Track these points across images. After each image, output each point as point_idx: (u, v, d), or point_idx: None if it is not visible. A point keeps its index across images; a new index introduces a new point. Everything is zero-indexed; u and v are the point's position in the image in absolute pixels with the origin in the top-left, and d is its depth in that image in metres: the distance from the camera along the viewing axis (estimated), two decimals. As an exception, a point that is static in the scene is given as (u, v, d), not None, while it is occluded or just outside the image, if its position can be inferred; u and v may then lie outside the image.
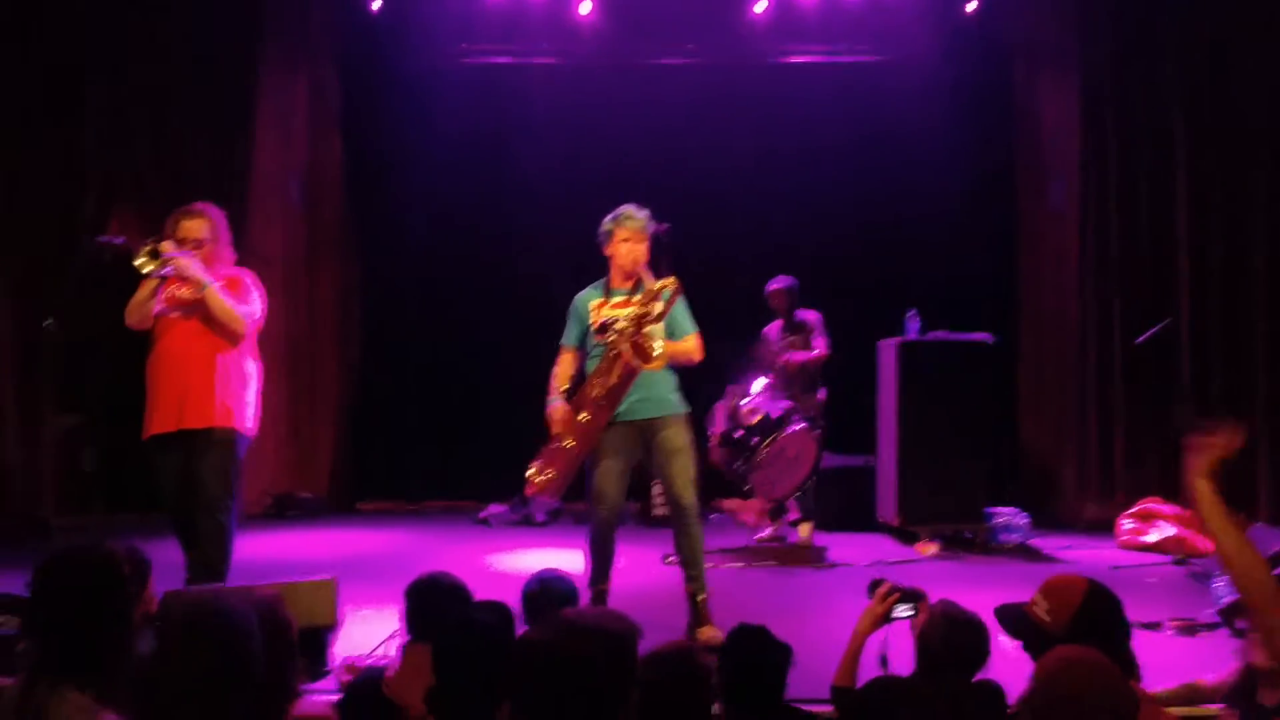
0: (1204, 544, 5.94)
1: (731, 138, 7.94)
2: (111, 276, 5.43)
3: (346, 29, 8.01)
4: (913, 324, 6.69)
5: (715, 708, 2.54)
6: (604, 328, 4.47)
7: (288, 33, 7.79)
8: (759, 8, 7.79)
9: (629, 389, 4.42)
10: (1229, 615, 4.46)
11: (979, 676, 2.80)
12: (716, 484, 6.66)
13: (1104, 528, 6.84)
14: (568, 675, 1.81)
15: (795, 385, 6.61)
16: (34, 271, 6.78)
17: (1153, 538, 6.40)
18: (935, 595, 3.03)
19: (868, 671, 2.99)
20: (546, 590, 3.25)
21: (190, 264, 4.45)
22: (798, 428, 6.09)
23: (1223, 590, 4.60)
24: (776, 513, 6.72)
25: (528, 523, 7.38)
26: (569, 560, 4.77)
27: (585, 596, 4.05)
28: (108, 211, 7.30)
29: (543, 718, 1.81)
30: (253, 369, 4.68)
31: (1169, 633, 4.55)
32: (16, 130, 6.87)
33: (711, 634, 4.37)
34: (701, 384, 5.32)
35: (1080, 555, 6.33)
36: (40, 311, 6.18)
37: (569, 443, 4.43)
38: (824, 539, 6.56)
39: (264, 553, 6.11)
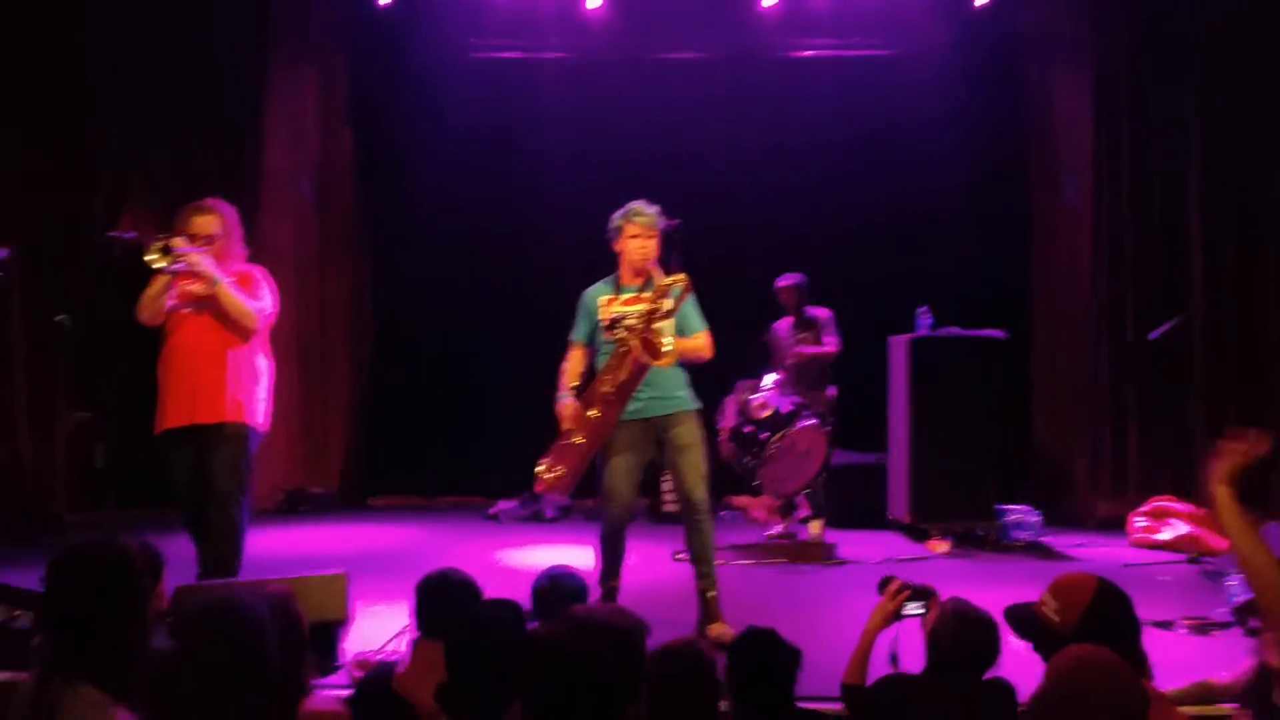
0: (1217, 542, 5.91)
1: (742, 132, 7.93)
2: (123, 272, 5.47)
3: (356, 24, 8.01)
4: (924, 320, 6.66)
5: (723, 704, 2.53)
6: (614, 324, 4.46)
7: (297, 28, 7.80)
8: (769, 1, 7.76)
9: (639, 385, 4.41)
10: (1242, 614, 4.43)
11: (990, 675, 2.79)
12: (727, 481, 6.66)
13: (1117, 525, 6.80)
14: (576, 671, 1.81)
15: (805, 381, 6.61)
16: (46, 267, 6.80)
17: (1165, 536, 6.37)
18: (946, 593, 3.02)
19: (878, 669, 2.98)
20: (557, 586, 3.25)
21: (202, 260, 4.46)
22: (808, 423, 6.08)
23: (1236, 589, 4.58)
24: (786, 510, 6.71)
25: (538, 519, 7.39)
26: (579, 557, 4.78)
27: (595, 593, 4.05)
28: (119, 208, 7.33)
29: (552, 713, 1.81)
30: (264, 364, 4.69)
31: (1182, 631, 4.52)
32: (28, 127, 6.89)
33: (721, 631, 4.37)
34: (711, 380, 5.32)
35: (1092, 553, 6.30)
36: (53, 307, 6.21)
37: (579, 439, 4.43)
38: (834, 536, 6.54)
39: (276, 548, 6.13)
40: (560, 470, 4.48)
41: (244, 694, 2.08)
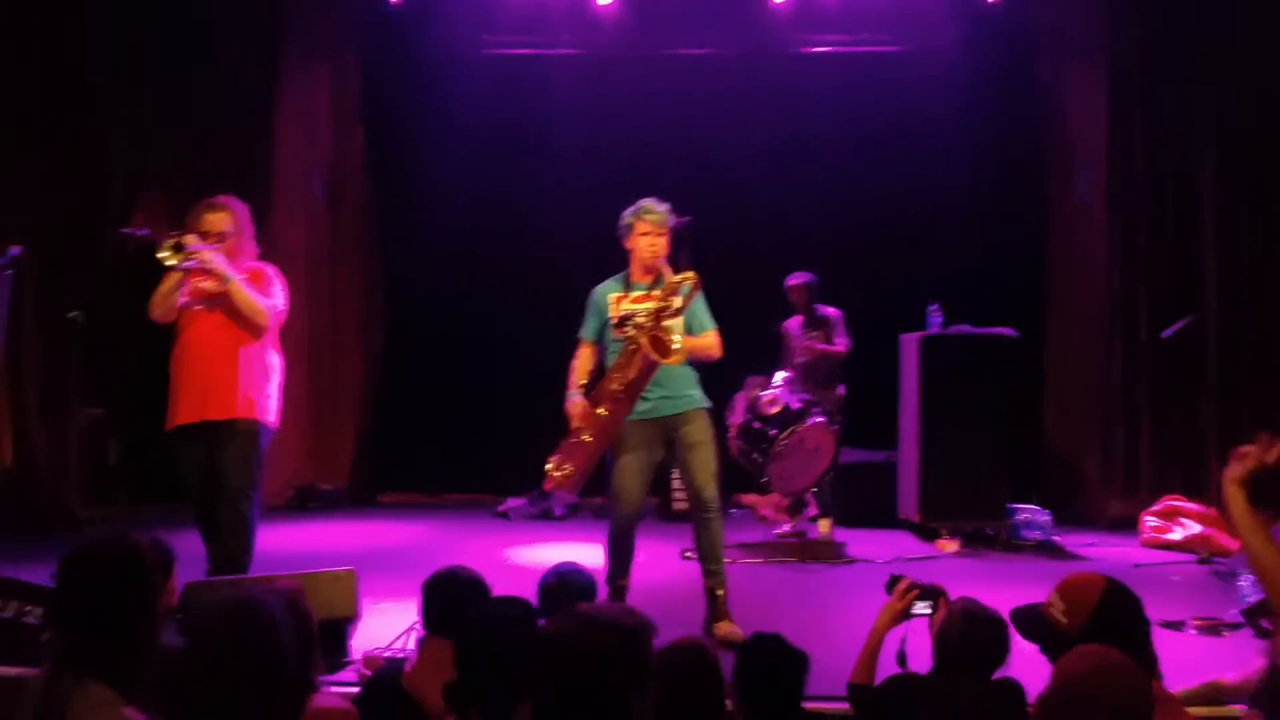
0: (1229, 542, 5.89)
1: (752, 129, 7.91)
2: (136, 269, 5.49)
3: (367, 22, 8.03)
4: (935, 318, 6.65)
5: (728, 703, 2.53)
6: (623, 321, 4.46)
7: (309, 26, 7.82)
8: (780, -3, 7.76)
9: (647, 383, 4.41)
10: (1253, 615, 4.42)
11: (999, 675, 2.78)
12: (736, 479, 6.65)
13: (1128, 525, 6.78)
14: (583, 670, 1.81)
15: (814, 380, 6.60)
16: (59, 264, 6.83)
17: (1176, 536, 6.34)
18: (955, 592, 3.01)
19: (886, 669, 2.98)
20: (564, 584, 3.25)
21: (214, 257, 4.48)
22: (817, 420, 6.07)
23: (1247, 590, 4.56)
24: (795, 508, 6.71)
25: (547, 516, 7.39)
26: (588, 554, 4.78)
27: (603, 592, 4.05)
28: (133, 205, 7.36)
29: (558, 712, 1.81)
30: (275, 361, 4.71)
31: (1192, 632, 4.51)
32: (41, 126, 6.91)
33: (729, 629, 4.37)
34: (721, 378, 5.32)
35: (1103, 553, 6.28)
36: (66, 304, 6.23)
37: (587, 437, 4.43)
38: (844, 535, 6.54)
39: (285, 544, 6.15)
40: (569, 468, 4.48)
41: (256, 691, 2.09)
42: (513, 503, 7.54)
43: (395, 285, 8.30)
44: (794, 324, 6.80)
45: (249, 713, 2.07)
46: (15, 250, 5.18)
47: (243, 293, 4.50)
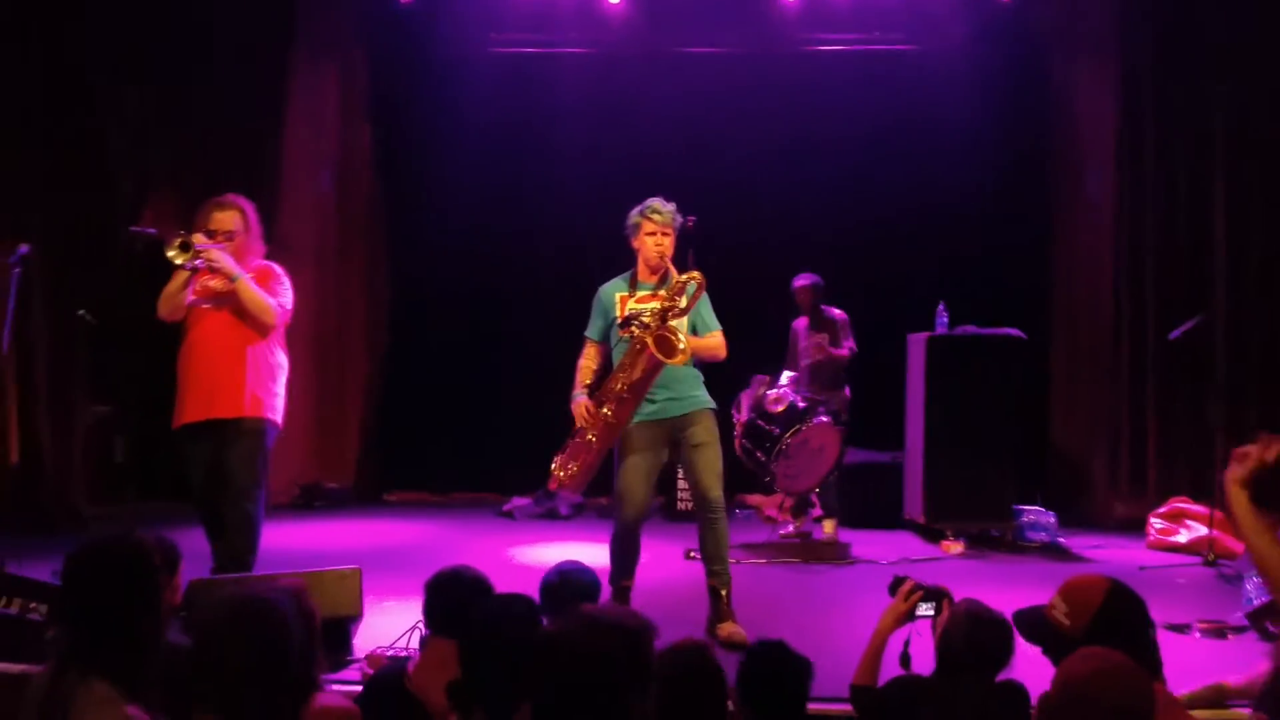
0: (1235, 545, 5.87)
1: (761, 128, 7.90)
2: (144, 267, 5.51)
3: (376, 19, 8.03)
4: (942, 318, 6.64)
5: (730, 704, 2.53)
6: (628, 321, 4.46)
7: (318, 23, 7.83)
8: (789, -4, 7.75)
9: (652, 383, 4.41)
10: (1259, 618, 4.41)
11: (1002, 677, 2.77)
12: (741, 479, 6.65)
13: (1135, 527, 6.77)
14: (584, 670, 1.81)
15: (820, 381, 6.59)
16: (68, 263, 6.86)
17: (1183, 538, 6.32)
18: (959, 594, 3.01)
19: (889, 670, 2.97)
20: (566, 582, 3.24)
21: (221, 256, 4.49)
22: (822, 420, 6.07)
23: (1253, 592, 4.54)
24: (800, 509, 6.71)
25: (552, 516, 7.40)
26: (592, 554, 4.78)
27: (606, 592, 4.05)
28: (141, 203, 7.38)
29: (559, 712, 1.82)
30: (282, 360, 4.72)
31: (1196, 635, 4.50)
32: (49, 124, 6.93)
33: (733, 630, 4.37)
34: (726, 378, 5.32)
35: (1108, 555, 6.26)
36: (74, 302, 6.26)
37: (592, 437, 4.43)
38: (849, 535, 6.54)
39: (291, 542, 6.16)
40: (573, 468, 4.48)
41: (261, 688, 2.09)
42: (518, 502, 7.55)
43: (402, 284, 8.31)
44: (801, 324, 6.79)
45: (252, 709, 2.07)
46: (24, 248, 5.21)
47: (250, 291, 4.52)
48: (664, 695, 2.01)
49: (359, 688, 3.13)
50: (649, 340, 4.31)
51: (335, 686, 3.45)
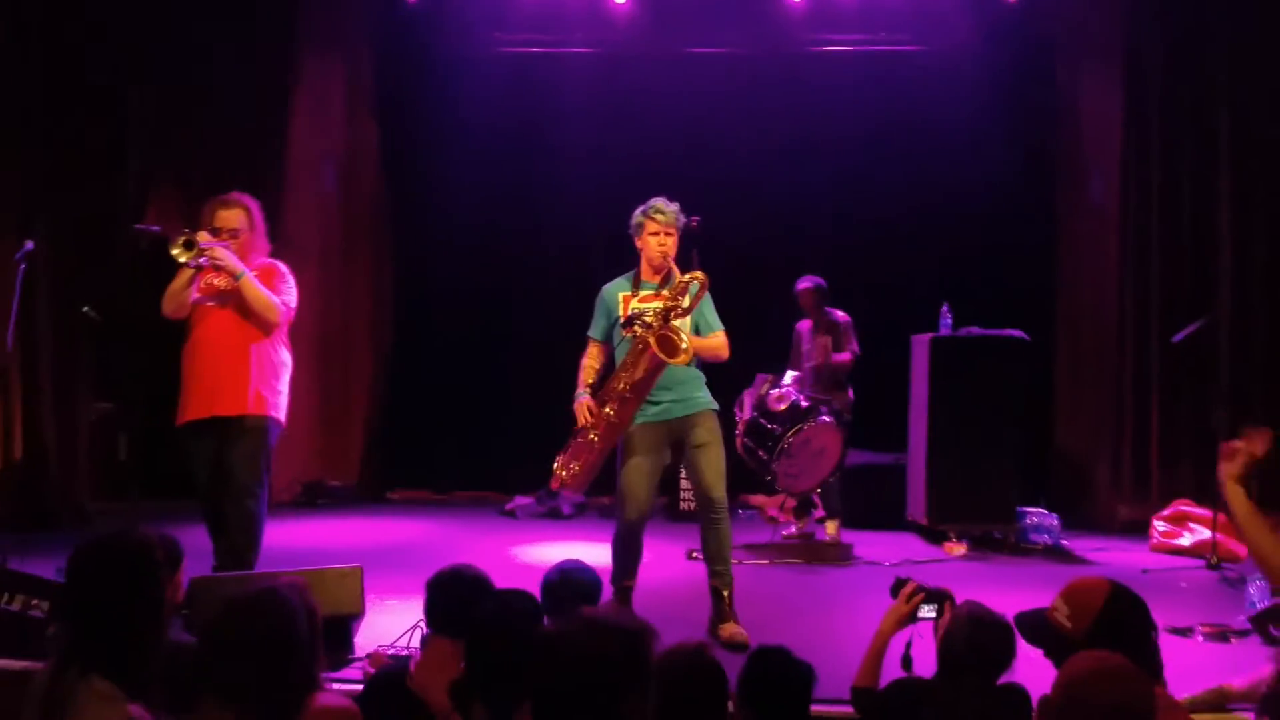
0: (1238, 548, 5.86)
1: (767, 128, 7.90)
2: (149, 265, 5.52)
3: (382, 16, 8.03)
4: (946, 319, 6.63)
5: (730, 706, 2.52)
6: (631, 321, 4.46)
7: (324, 20, 7.84)
8: (795, -4, 7.74)
9: (655, 383, 4.41)
10: (1262, 622, 4.40)
11: (1004, 679, 2.77)
12: (744, 479, 6.65)
13: (1138, 529, 6.76)
14: (584, 671, 1.81)
15: (824, 382, 6.58)
16: (72, 260, 6.87)
17: (1186, 541, 6.31)
18: (962, 596, 3.00)
19: (891, 672, 2.97)
20: (568, 581, 3.24)
21: (226, 254, 4.50)
22: (824, 420, 6.06)
23: (1256, 596, 4.54)
24: (803, 510, 6.70)
25: (554, 515, 7.40)
26: (594, 554, 4.78)
27: (608, 591, 4.04)
28: (146, 201, 7.39)
29: (558, 713, 1.82)
30: (286, 358, 4.73)
31: (1199, 638, 4.49)
32: (55, 122, 6.94)
33: (734, 631, 4.36)
34: (728, 379, 5.31)
35: (1111, 557, 6.25)
36: (78, 299, 6.27)
37: (594, 436, 4.43)
38: (852, 536, 6.53)
39: (293, 540, 6.17)
40: (575, 467, 4.47)
41: (270, 680, 2.10)
42: (520, 501, 7.55)
43: (406, 283, 8.32)
44: (804, 326, 6.78)
45: (259, 700, 2.07)
46: (29, 245, 5.22)
47: (254, 289, 4.53)
48: (664, 696, 2.01)
49: (360, 687, 3.13)
50: (651, 340, 4.31)
51: (337, 685, 3.45)
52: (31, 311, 6.49)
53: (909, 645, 3.01)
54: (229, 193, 4.76)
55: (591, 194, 7.57)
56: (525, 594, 2.71)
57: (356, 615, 4.07)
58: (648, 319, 4.38)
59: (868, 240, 7.89)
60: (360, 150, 8.11)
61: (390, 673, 2.89)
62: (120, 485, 7.27)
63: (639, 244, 4.61)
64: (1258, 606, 4.49)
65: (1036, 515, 6.53)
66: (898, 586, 3.07)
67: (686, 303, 4.39)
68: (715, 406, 4.61)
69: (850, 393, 6.69)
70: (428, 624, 2.90)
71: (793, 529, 6.69)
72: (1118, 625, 2.43)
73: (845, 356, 6.56)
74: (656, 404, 4.47)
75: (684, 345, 4.31)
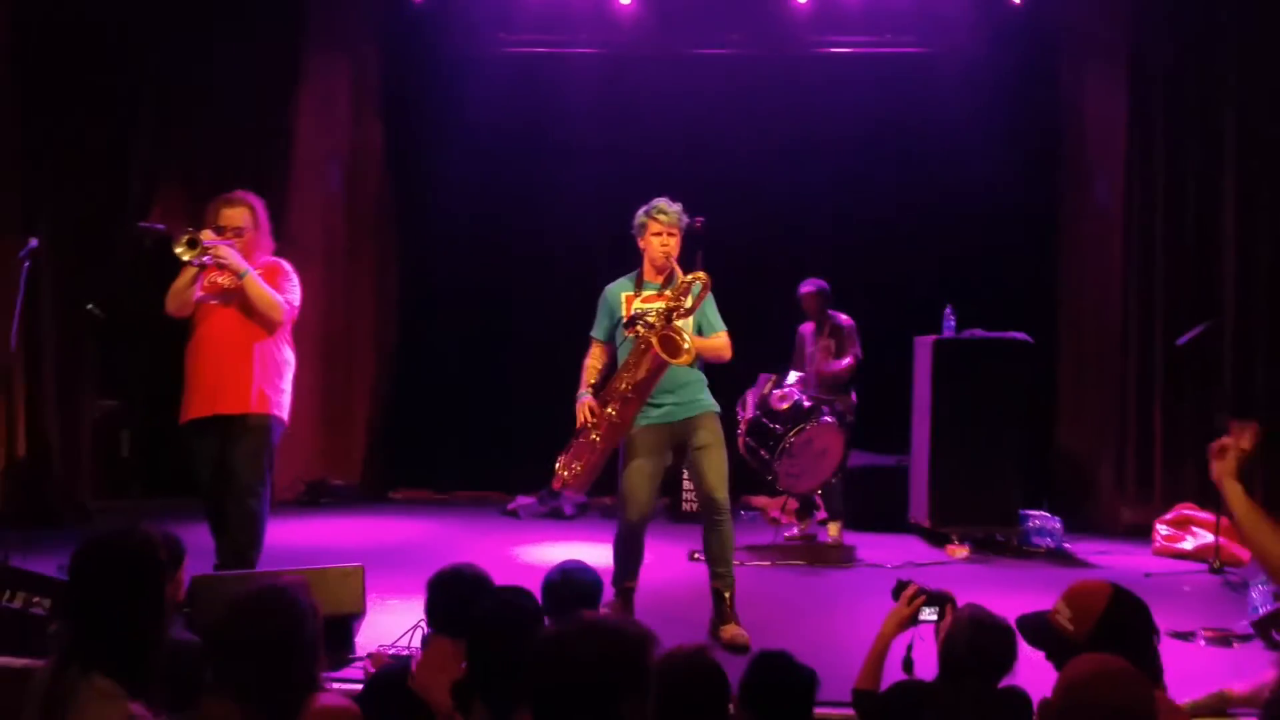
0: (1241, 552, 5.85)
1: (771, 129, 7.89)
2: (153, 262, 5.52)
3: (388, 16, 8.04)
4: (949, 321, 6.62)
5: (731, 708, 2.52)
6: (633, 321, 4.46)
7: (331, 19, 7.84)
8: (801, -2, 7.73)
9: (657, 383, 4.41)
10: (1264, 626, 4.39)
11: (1005, 682, 2.76)
12: (747, 481, 6.64)
13: (1141, 533, 6.74)
14: (584, 674, 1.81)
15: (826, 386, 6.57)
16: (76, 257, 6.88)
17: (1189, 545, 6.30)
18: (964, 598, 3.00)
19: (892, 675, 2.96)
20: (569, 581, 3.24)
21: (230, 252, 4.51)
22: (827, 420, 6.06)
23: (1258, 600, 4.53)
24: (805, 511, 6.70)
25: (556, 515, 7.40)
26: (596, 554, 4.78)
27: (609, 593, 4.04)
28: (150, 199, 7.40)
29: (558, 716, 1.82)
30: (289, 357, 4.74)
31: (1201, 642, 4.47)
32: (60, 118, 6.95)
33: (735, 632, 4.36)
34: (730, 379, 5.31)
35: (1114, 561, 6.24)
36: (82, 297, 6.28)
37: (596, 436, 4.43)
38: (854, 538, 6.52)
39: (295, 539, 6.17)
40: (577, 467, 4.48)
41: (276, 674, 2.10)
42: (522, 501, 7.55)
43: (410, 282, 8.32)
44: (807, 329, 6.78)
45: (264, 693, 2.08)
46: (33, 242, 5.23)
47: (257, 287, 4.53)
48: (664, 698, 2.01)
49: (360, 686, 3.13)
50: (654, 340, 4.31)
51: (338, 685, 3.45)
52: (35, 309, 6.50)
53: (910, 648, 3.00)
54: (233, 191, 4.77)
55: (595, 194, 7.57)
56: (526, 592, 2.71)
57: (358, 615, 4.06)
58: (650, 319, 4.38)
59: (871, 241, 7.88)
60: (365, 150, 8.11)
61: (391, 672, 2.89)
62: (122, 483, 7.29)
63: (642, 244, 4.61)
64: (1260, 611, 4.48)
65: (1039, 518, 6.52)
66: (899, 589, 3.07)
67: (689, 303, 4.39)
68: (717, 409, 4.61)
69: (853, 395, 6.69)
70: (429, 623, 2.90)
71: (795, 531, 6.69)
72: (1119, 628, 2.43)
73: (840, 365, 6.54)
74: (659, 406, 4.47)
75: (686, 345, 4.31)
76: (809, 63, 8.02)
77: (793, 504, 6.84)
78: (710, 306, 4.56)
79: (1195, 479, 6.95)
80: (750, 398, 6.33)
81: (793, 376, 6.34)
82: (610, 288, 4.68)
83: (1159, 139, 7.25)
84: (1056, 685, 2.13)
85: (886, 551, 6.28)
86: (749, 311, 5.81)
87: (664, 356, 4.29)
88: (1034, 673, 2.70)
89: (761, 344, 6.45)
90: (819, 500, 6.59)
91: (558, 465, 4.54)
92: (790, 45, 7.99)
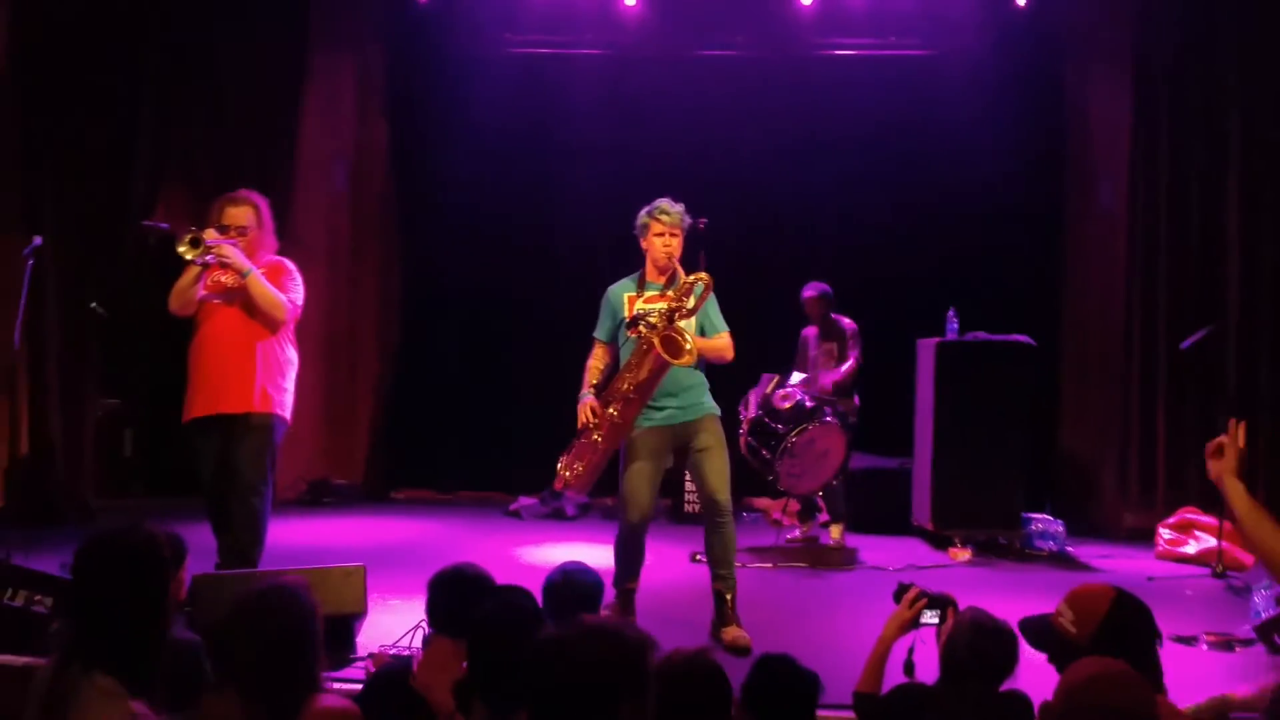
0: (1244, 556, 5.84)
1: (775, 131, 7.88)
2: (156, 261, 5.54)
3: (393, 16, 8.04)
4: (952, 323, 6.62)
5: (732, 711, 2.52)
6: (635, 321, 4.46)
7: (336, 19, 7.84)
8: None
9: (659, 384, 4.41)
10: (1267, 631, 4.38)
11: (1006, 686, 2.76)
12: (749, 482, 6.64)
13: (1144, 537, 6.73)
14: (583, 676, 1.81)
15: (829, 390, 6.57)
16: (80, 256, 6.89)
17: (1191, 549, 6.29)
18: (966, 602, 2.99)
19: (893, 678, 2.96)
20: (569, 582, 3.24)
21: (233, 251, 4.51)
22: (829, 421, 6.06)
23: (1261, 605, 4.52)
24: (807, 513, 6.69)
25: (558, 516, 7.40)
26: (598, 555, 4.78)
27: (610, 594, 4.04)
28: (154, 198, 7.41)
29: (557, 718, 1.82)
30: (292, 356, 4.74)
31: (1204, 646, 4.47)
32: (64, 117, 6.96)
33: (737, 634, 4.36)
34: (732, 381, 5.31)
35: (1116, 565, 6.23)
36: (86, 295, 6.29)
37: (598, 437, 4.43)
38: (856, 541, 6.52)
39: (297, 539, 6.17)
40: (579, 468, 4.48)
41: (274, 683, 2.10)
42: (524, 501, 7.55)
43: (414, 282, 8.32)
44: (810, 333, 6.78)
45: (269, 689, 2.08)
46: (36, 241, 5.23)
47: (260, 286, 4.53)
48: (665, 700, 2.01)
49: (361, 686, 3.13)
50: (656, 341, 4.31)
51: (339, 685, 3.45)
52: (39, 307, 6.50)
53: (911, 651, 3.00)
54: (237, 190, 4.77)
55: (598, 194, 7.57)
56: (527, 593, 2.71)
57: (359, 614, 4.07)
58: (652, 320, 4.38)
59: (874, 243, 7.87)
60: (370, 149, 8.11)
61: (392, 672, 2.89)
62: (125, 481, 7.31)
63: (644, 245, 4.61)
64: (1263, 615, 4.47)
65: (1042, 521, 6.52)
66: (901, 592, 3.07)
67: (691, 304, 4.39)
68: (718, 412, 4.61)
69: (856, 398, 6.68)
70: (430, 623, 2.90)
71: (797, 533, 6.68)
72: (1122, 632, 2.43)
73: (840, 374, 6.54)
74: (661, 409, 4.47)
75: (688, 346, 4.31)
76: (813, 64, 8.01)
77: (794, 506, 6.83)
78: (712, 307, 4.56)
79: (1198, 482, 6.93)
80: (753, 397, 6.33)
81: (796, 377, 6.34)
82: (613, 288, 4.68)
83: (1163, 141, 7.25)
84: (1058, 688, 2.13)
85: (888, 554, 6.27)
86: (751, 312, 5.80)
87: (666, 357, 4.29)
88: (1035, 676, 2.69)
89: (762, 344, 6.45)
90: (821, 502, 6.59)
91: (560, 465, 4.54)
92: (795, 47, 7.99)
